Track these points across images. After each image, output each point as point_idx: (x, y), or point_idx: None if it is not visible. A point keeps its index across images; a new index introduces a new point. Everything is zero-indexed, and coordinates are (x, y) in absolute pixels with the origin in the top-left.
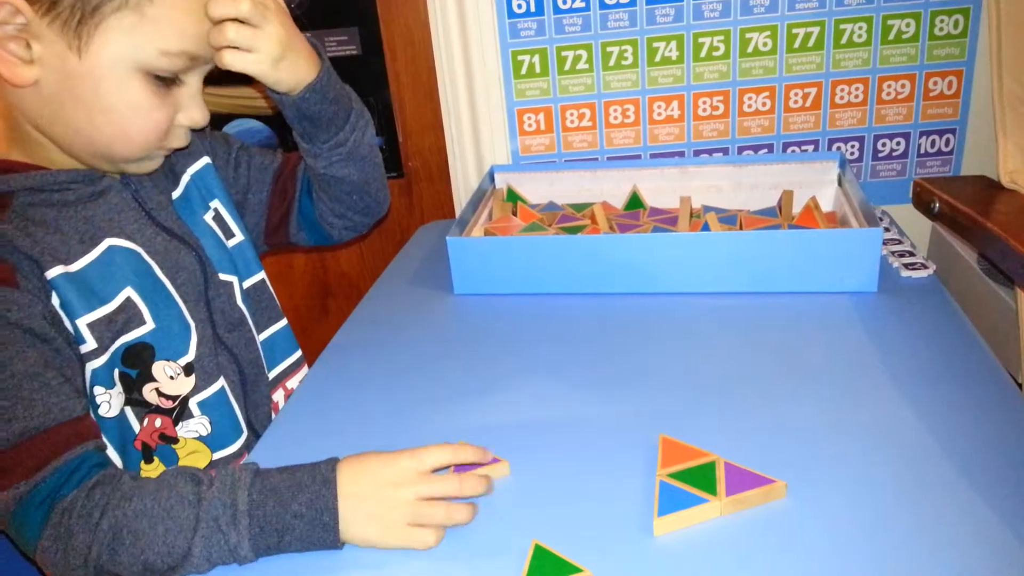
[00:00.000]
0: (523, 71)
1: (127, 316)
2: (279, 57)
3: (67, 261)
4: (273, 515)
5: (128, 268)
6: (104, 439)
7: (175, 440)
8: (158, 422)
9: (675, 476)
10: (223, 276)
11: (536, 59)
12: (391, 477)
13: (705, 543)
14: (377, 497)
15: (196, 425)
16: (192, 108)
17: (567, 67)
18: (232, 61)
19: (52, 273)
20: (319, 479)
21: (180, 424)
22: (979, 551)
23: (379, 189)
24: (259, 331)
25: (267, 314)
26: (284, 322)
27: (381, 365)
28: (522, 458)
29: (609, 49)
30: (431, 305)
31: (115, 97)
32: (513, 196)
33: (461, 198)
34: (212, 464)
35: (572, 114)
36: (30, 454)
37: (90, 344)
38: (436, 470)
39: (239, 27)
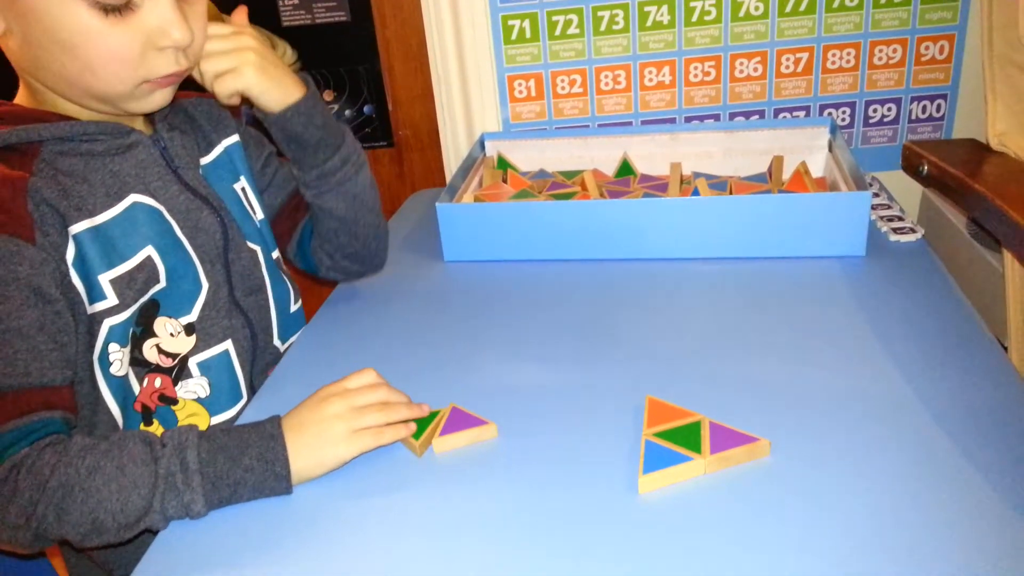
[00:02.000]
0: (513, 36)
1: (146, 275)
2: (259, 65)
3: (92, 213)
4: (224, 471)
5: (149, 226)
6: (76, 416)
7: (174, 401)
8: (158, 382)
9: (660, 435)
10: (250, 244)
11: (527, 24)
12: (321, 398)
13: (689, 500)
14: (314, 420)
15: (195, 386)
16: (165, 26)
17: (558, 32)
18: (221, 88)
19: (77, 228)
20: (265, 434)
21: (179, 384)
22: (961, 509)
23: (369, 236)
24: (281, 306)
25: (294, 291)
26: (299, 304)
27: (371, 331)
28: (510, 420)
29: (600, 13)
30: (421, 272)
31: (62, 28)
32: (503, 163)
33: (452, 166)
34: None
35: (563, 80)
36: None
37: (110, 300)
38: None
39: (212, 56)
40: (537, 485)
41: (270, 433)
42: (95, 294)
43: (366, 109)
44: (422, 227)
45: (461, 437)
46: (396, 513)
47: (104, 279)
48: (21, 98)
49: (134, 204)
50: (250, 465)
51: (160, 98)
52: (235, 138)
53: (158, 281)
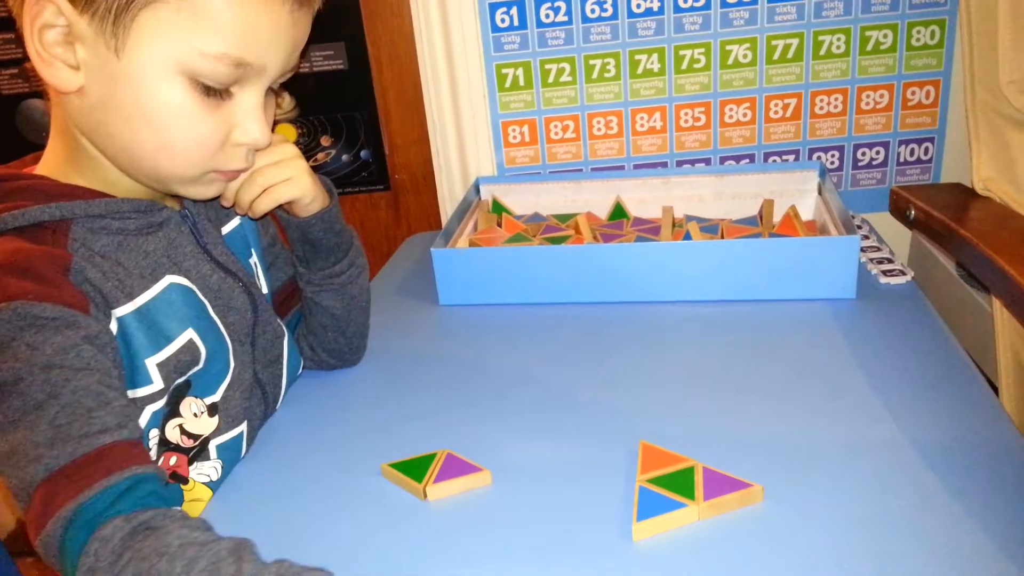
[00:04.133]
0: (507, 84)
1: (190, 357)
2: (310, 172)
3: (132, 296)
4: None
5: (187, 307)
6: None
7: (184, 480)
8: (172, 460)
9: (654, 481)
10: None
11: (520, 72)
12: None
13: (683, 547)
14: None
15: (209, 469)
16: (249, 124)
17: (551, 80)
18: (280, 194)
19: (120, 311)
20: None
21: (194, 465)
22: (954, 554)
23: (356, 335)
24: (291, 376)
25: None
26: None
27: (364, 376)
28: (504, 467)
29: (592, 62)
30: (416, 316)
31: (155, 103)
32: (498, 207)
33: (447, 210)
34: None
35: (556, 126)
36: (81, 474)
37: (156, 385)
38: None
39: (267, 168)
40: (531, 533)
41: None
42: (140, 379)
43: (363, 154)
44: (417, 271)
45: (455, 484)
46: (389, 562)
47: (151, 363)
48: (52, 157)
49: (170, 285)
50: None
51: (217, 189)
52: None
53: (197, 363)
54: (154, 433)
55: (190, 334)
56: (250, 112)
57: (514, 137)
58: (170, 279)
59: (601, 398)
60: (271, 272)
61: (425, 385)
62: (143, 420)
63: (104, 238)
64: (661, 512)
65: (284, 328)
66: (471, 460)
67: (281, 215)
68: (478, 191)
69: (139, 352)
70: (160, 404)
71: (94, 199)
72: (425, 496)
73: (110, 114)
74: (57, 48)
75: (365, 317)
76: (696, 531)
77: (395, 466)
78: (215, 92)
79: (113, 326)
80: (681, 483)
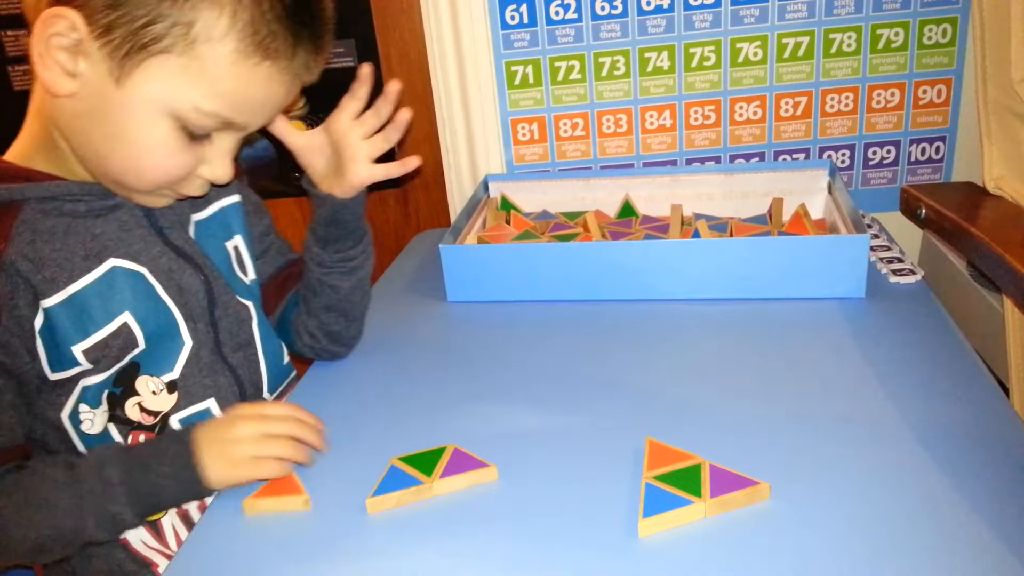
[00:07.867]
0: (516, 81)
1: (122, 341)
2: None
3: (68, 281)
4: (144, 481)
5: (128, 291)
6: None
7: None
8: (142, 438)
9: (661, 478)
10: (241, 299)
11: (529, 70)
12: (233, 417)
13: (689, 544)
14: (223, 437)
15: None
16: (216, 164)
17: (560, 77)
18: (378, 170)
19: (49, 302)
20: (177, 441)
21: None
22: (964, 554)
23: (355, 319)
24: (272, 359)
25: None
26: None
27: (373, 371)
28: (511, 462)
29: (601, 59)
30: (424, 312)
31: (138, 133)
32: (507, 205)
33: (456, 207)
34: None
35: (565, 124)
36: None
37: (84, 366)
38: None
39: (376, 139)
40: (537, 528)
41: (180, 440)
42: (66, 362)
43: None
44: (426, 268)
45: (461, 479)
46: (395, 556)
47: (77, 349)
48: (23, 141)
49: (113, 268)
50: (166, 472)
51: (166, 203)
52: (235, 198)
53: (136, 345)
54: (84, 408)
55: (125, 317)
56: (221, 155)
57: (523, 134)
58: (114, 262)
59: (608, 395)
60: (263, 260)
61: (433, 380)
62: (75, 393)
63: (53, 219)
64: (667, 509)
65: (252, 312)
66: (478, 455)
67: (317, 194)
68: (487, 188)
69: (65, 339)
70: (93, 380)
71: (47, 181)
72: (432, 491)
73: (93, 125)
74: (60, 55)
75: (367, 300)
76: (702, 528)
77: (404, 459)
78: (196, 136)
79: (39, 317)
80: (688, 480)
